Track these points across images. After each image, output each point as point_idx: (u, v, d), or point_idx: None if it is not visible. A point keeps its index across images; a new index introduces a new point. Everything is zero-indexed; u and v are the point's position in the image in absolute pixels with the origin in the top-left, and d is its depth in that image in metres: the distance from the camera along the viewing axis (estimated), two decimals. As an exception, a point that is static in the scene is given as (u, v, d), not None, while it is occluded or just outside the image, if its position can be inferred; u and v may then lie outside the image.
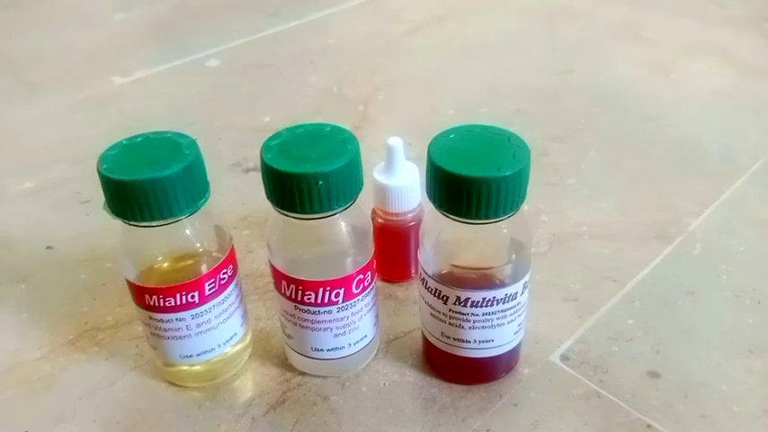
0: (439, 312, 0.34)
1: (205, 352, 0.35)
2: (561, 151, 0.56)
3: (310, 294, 0.33)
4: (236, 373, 0.38)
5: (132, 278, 0.34)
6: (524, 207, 0.31)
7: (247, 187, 0.52)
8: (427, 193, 0.31)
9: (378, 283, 0.37)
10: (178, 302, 0.33)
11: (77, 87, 0.68)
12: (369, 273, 0.34)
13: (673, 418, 0.35)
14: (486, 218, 0.30)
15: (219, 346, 0.36)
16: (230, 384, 0.37)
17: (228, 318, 0.35)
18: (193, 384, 0.37)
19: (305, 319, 0.34)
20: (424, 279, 0.34)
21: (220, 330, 0.35)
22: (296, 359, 0.37)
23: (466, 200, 0.29)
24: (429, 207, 0.32)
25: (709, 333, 0.39)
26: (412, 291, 0.43)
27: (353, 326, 0.35)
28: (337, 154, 0.30)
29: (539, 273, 0.43)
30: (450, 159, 0.30)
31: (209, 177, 0.33)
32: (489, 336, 0.34)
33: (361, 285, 0.34)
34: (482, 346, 0.34)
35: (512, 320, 0.34)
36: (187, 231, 0.33)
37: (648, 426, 0.34)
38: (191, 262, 0.34)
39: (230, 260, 0.35)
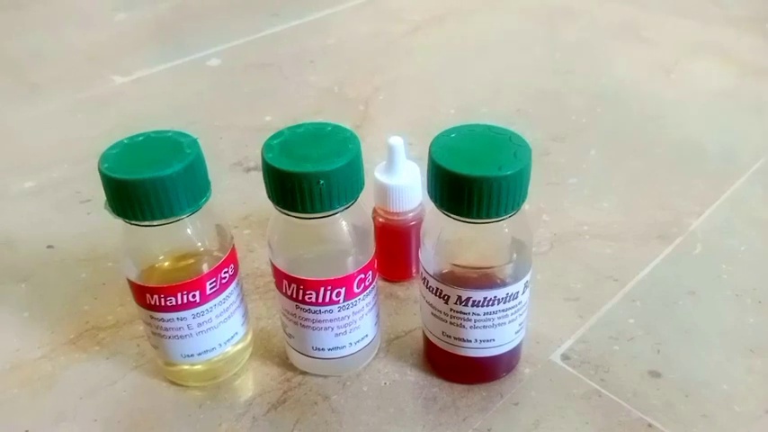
0: (440, 312, 0.34)
1: (206, 351, 0.35)
2: (562, 151, 0.56)
3: (311, 294, 0.33)
4: (236, 373, 0.38)
5: (133, 277, 0.34)
6: (525, 206, 0.31)
7: (248, 186, 0.52)
8: (428, 192, 0.31)
9: (379, 282, 0.37)
10: (179, 302, 0.33)
11: (78, 87, 0.68)
12: (370, 272, 0.34)
13: (674, 418, 0.35)
14: (488, 217, 0.30)
15: (220, 345, 0.36)
16: (231, 384, 0.37)
17: (229, 317, 0.35)
18: (194, 384, 0.37)
19: (306, 319, 0.34)
20: (425, 278, 0.34)
21: (221, 330, 0.35)
22: (297, 358, 0.37)
23: (467, 199, 0.29)
24: (430, 206, 0.32)
25: (710, 333, 0.39)
26: (413, 290, 0.43)
27: (354, 325, 0.35)
28: (338, 153, 0.30)
29: (540, 272, 0.43)
30: (451, 159, 0.29)
31: (211, 177, 0.33)
32: (490, 335, 0.34)
33: (362, 285, 0.34)
34: (483, 345, 0.34)
35: (513, 320, 0.34)
36: (188, 231, 0.33)
37: (649, 425, 0.34)
38: (192, 261, 0.34)
39: (231, 259, 0.35)
